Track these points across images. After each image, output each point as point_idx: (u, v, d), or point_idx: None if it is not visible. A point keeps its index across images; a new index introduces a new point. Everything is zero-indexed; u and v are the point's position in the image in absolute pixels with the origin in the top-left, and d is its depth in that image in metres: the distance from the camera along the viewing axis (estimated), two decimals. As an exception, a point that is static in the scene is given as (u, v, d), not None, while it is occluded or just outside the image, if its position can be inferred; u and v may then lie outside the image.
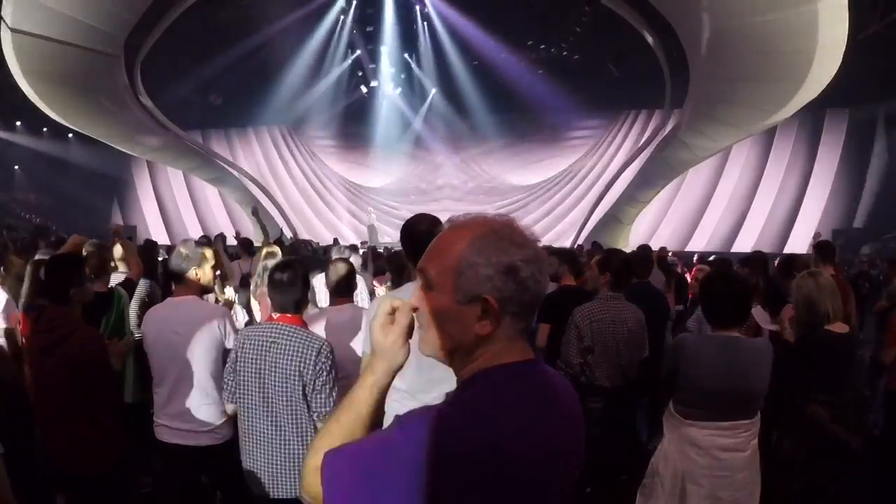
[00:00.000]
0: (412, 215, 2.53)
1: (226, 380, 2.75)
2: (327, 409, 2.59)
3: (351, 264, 3.71)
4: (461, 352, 1.08)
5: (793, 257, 5.14)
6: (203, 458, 2.96)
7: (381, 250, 11.18)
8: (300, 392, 2.60)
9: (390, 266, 5.88)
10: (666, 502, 2.84)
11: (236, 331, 2.97)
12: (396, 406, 2.46)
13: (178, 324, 2.94)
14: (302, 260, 6.22)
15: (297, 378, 2.59)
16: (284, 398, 2.60)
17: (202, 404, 2.93)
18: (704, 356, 2.74)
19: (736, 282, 2.83)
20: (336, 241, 12.69)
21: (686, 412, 2.80)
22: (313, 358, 2.59)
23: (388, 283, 5.41)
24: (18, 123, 20.40)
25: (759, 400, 2.76)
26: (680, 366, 2.78)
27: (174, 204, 25.87)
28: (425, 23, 18.33)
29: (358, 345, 3.01)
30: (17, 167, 23.11)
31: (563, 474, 1.06)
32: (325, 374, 2.60)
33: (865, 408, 4.14)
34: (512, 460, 0.96)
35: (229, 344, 2.94)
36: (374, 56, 20.02)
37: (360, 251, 8.89)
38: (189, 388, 2.93)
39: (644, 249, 7.12)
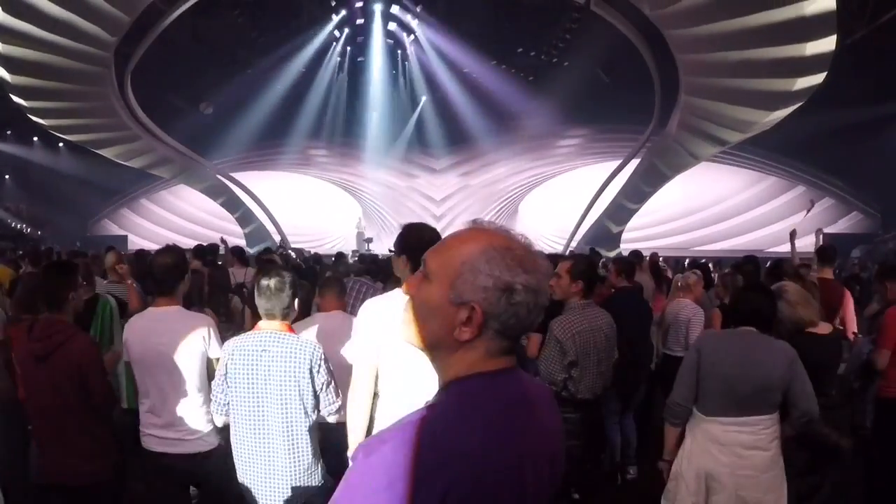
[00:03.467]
0: (410, 223, 2.55)
1: (215, 392, 2.72)
2: (336, 405, 2.66)
3: (342, 283, 3.77)
4: (440, 350, 1.08)
5: (781, 261, 5.17)
6: (192, 465, 2.95)
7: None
8: (296, 398, 2.60)
9: (382, 273, 5.91)
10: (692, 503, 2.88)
11: (221, 341, 2.95)
12: (385, 412, 2.47)
13: (164, 334, 2.92)
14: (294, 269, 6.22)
15: (292, 384, 2.59)
16: (279, 406, 2.59)
17: (190, 413, 2.92)
18: (723, 348, 2.89)
19: (769, 294, 3.04)
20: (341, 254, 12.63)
21: (707, 409, 2.87)
22: (308, 362, 2.60)
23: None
24: (9, 132, 20.30)
25: (776, 394, 2.81)
26: (701, 361, 2.88)
27: (165, 213, 25.78)
28: (414, 32, 18.39)
29: (348, 351, 3.00)
30: (7, 177, 23.02)
31: (539, 484, 1.05)
32: (325, 374, 2.65)
33: (855, 410, 4.16)
34: (484, 472, 0.96)
35: (213, 353, 2.94)
36: (365, 65, 20.12)
37: (352, 259, 8.89)
38: (176, 397, 2.92)
39: (634, 255, 7.16)
